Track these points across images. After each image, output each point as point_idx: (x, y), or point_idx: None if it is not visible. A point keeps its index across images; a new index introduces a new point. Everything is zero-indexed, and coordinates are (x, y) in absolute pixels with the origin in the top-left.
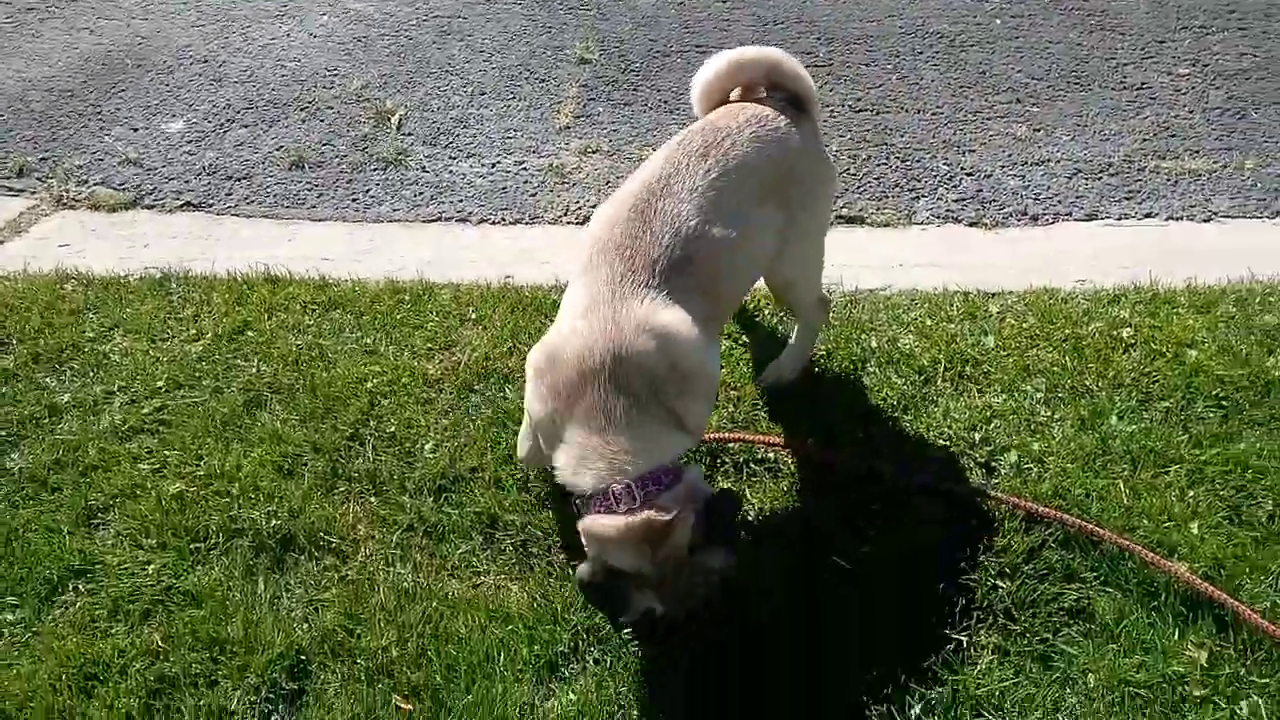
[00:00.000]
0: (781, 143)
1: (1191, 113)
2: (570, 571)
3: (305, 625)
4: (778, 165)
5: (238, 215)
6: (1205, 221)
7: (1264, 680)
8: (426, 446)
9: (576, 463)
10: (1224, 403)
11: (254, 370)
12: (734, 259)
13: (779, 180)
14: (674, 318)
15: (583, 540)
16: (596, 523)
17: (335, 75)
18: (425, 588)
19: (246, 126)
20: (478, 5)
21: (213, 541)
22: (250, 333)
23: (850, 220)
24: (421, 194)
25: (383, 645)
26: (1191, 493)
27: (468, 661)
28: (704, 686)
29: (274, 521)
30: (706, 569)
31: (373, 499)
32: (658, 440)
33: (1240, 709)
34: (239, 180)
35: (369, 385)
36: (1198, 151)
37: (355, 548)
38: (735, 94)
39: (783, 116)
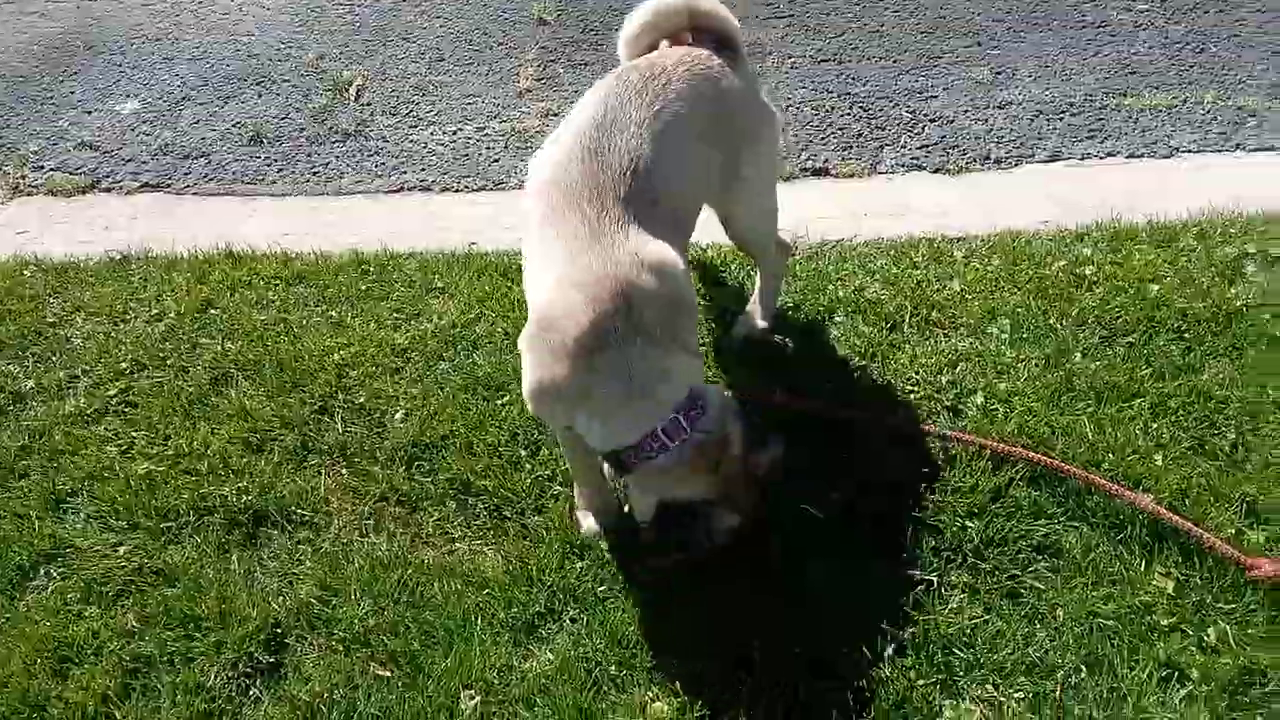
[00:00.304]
0: (715, 81)
1: (1151, 48)
2: (544, 533)
3: (280, 599)
4: (714, 103)
5: (198, 194)
6: (1167, 157)
7: (1230, 606)
8: (396, 416)
9: (613, 418)
10: (1185, 335)
11: (219, 348)
12: (689, 192)
13: (717, 118)
14: (661, 248)
15: (633, 488)
16: (654, 465)
17: (290, 47)
18: (400, 556)
19: (202, 104)
20: None
21: (184, 520)
22: (214, 310)
23: (816, 172)
24: (383, 164)
25: (359, 615)
26: (1155, 425)
27: (445, 627)
28: (676, 636)
29: (245, 498)
30: (761, 467)
31: (344, 471)
32: (686, 370)
33: (1207, 635)
34: (197, 158)
35: (336, 357)
36: (1158, 87)
37: (328, 520)
38: (664, 45)
39: (715, 57)
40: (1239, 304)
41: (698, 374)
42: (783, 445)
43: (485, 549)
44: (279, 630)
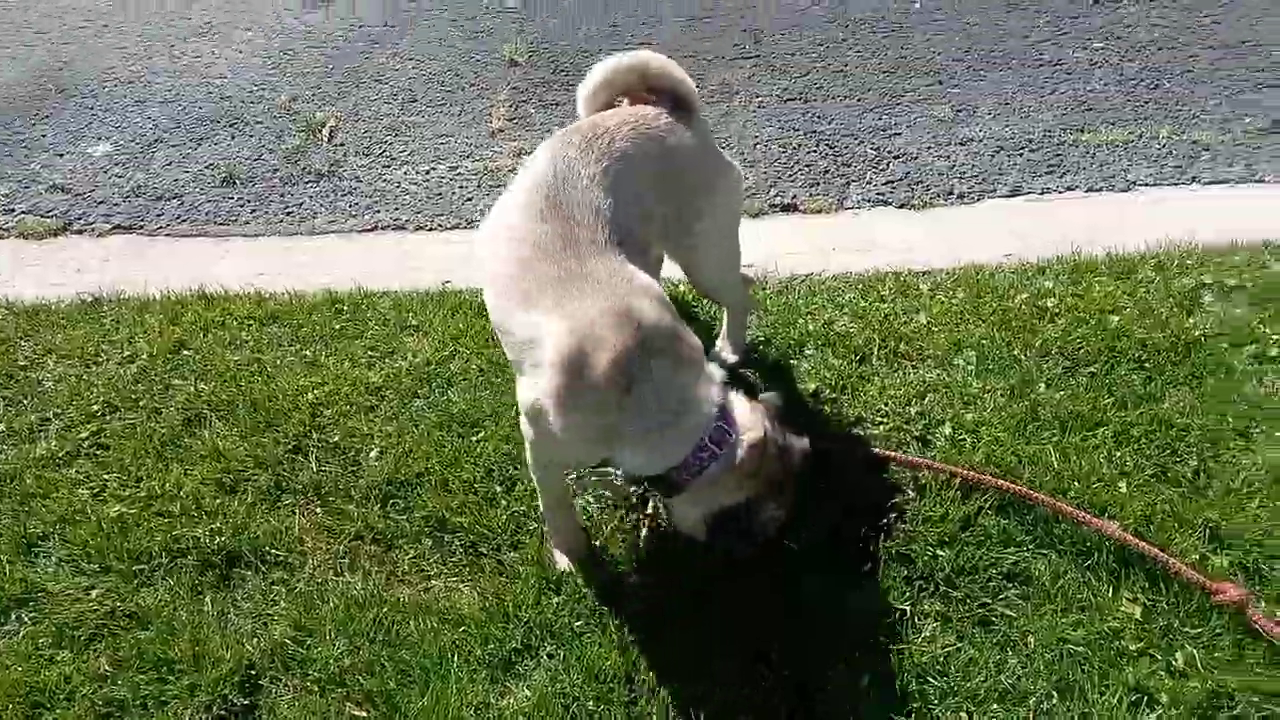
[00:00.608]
0: (661, 140)
1: (1107, 85)
2: (520, 569)
3: (255, 640)
4: (660, 161)
5: (171, 235)
6: (1124, 191)
7: (1196, 630)
8: (371, 454)
9: (661, 441)
10: (1146, 365)
11: (192, 389)
12: (647, 233)
13: (664, 176)
14: (645, 275)
15: (682, 507)
16: (706, 477)
17: (263, 89)
18: (375, 595)
19: (175, 146)
20: (404, 13)
21: (156, 562)
22: (186, 351)
23: (785, 208)
24: (357, 204)
25: (334, 655)
26: (1119, 453)
27: (421, 665)
28: (653, 671)
29: (218, 539)
30: (794, 459)
31: (318, 510)
32: (710, 379)
33: (1175, 659)
34: (170, 200)
35: (310, 397)
36: (1114, 123)
37: (303, 560)
38: (624, 102)
39: (664, 115)
40: (1197, 334)
41: (717, 379)
42: (806, 438)
43: (461, 586)
44: (253, 672)
